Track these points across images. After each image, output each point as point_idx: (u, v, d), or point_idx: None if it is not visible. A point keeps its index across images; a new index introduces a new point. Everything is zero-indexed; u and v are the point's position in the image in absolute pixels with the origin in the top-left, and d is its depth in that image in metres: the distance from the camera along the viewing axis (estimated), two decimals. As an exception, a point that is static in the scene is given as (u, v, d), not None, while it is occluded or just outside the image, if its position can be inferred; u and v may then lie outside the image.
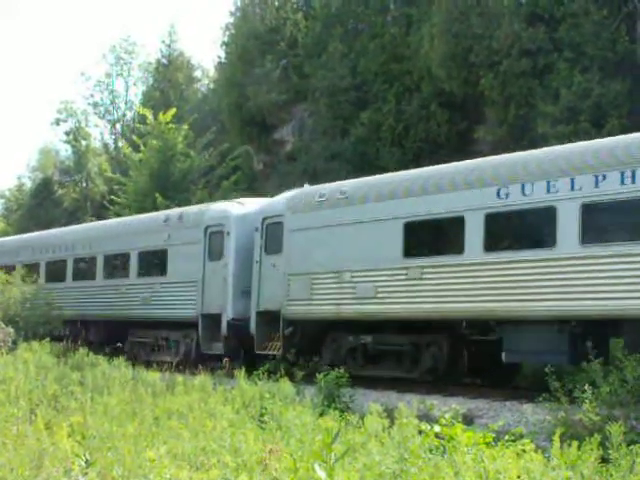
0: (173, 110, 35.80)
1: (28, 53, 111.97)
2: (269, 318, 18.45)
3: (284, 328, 18.03)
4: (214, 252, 20.35)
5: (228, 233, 19.89)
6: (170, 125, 35.18)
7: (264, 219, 19.08)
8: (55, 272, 27.48)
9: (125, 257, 23.81)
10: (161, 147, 34.81)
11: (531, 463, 6.87)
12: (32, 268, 27.74)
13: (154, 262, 22.85)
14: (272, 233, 18.82)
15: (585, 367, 11.41)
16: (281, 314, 18.08)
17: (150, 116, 36.05)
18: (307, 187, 19.12)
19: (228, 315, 19.50)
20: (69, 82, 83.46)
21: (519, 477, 6.58)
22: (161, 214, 23.60)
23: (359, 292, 16.60)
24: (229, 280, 19.70)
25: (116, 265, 24.69)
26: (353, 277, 16.78)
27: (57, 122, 57.51)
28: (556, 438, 7.44)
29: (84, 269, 26.24)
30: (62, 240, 27.85)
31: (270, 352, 18.29)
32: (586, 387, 10.57)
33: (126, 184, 36.74)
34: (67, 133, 56.66)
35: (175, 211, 23.02)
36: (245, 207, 20.48)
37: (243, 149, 35.89)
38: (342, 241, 17.12)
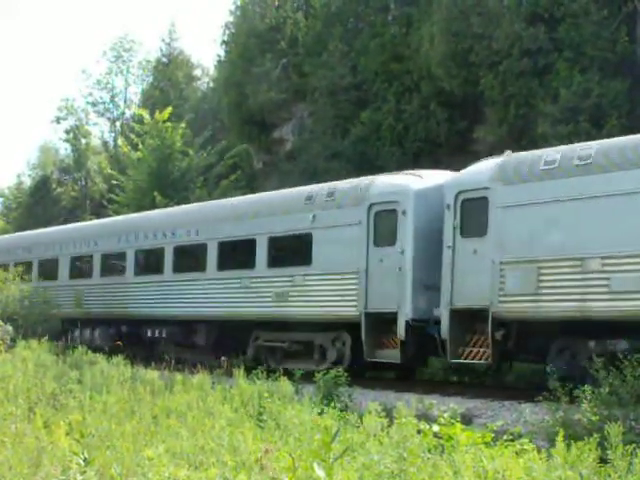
0: (169, 109, 35.87)
1: (27, 51, 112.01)
2: (466, 317, 14.96)
3: (494, 330, 14.31)
4: (382, 236, 16.59)
5: (404, 212, 16.11)
6: (167, 124, 35.23)
7: (458, 194, 15.28)
8: (148, 263, 23.56)
9: (249, 244, 19.44)
10: (159, 146, 34.86)
11: (534, 463, 6.87)
12: (115, 259, 24.55)
13: (293, 249, 18.89)
14: (471, 211, 15.10)
15: (587, 366, 11.39)
16: (490, 313, 14.32)
17: (147, 116, 36.11)
18: (513, 153, 15.41)
19: (407, 314, 15.71)
20: (69, 80, 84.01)
21: (520, 478, 6.57)
22: (302, 191, 19.19)
23: (617, 284, 12.89)
24: (407, 270, 15.90)
25: (237, 254, 20.46)
26: (606, 265, 13.10)
27: (57, 120, 57.58)
28: (560, 438, 7.44)
29: (190, 259, 22.09)
30: (158, 224, 23.26)
31: (470, 361, 14.87)
32: (585, 387, 10.56)
33: (124, 182, 36.79)
34: (67, 131, 56.71)
35: (322, 187, 18.73)
36: (425, 180, 16.68)
37: (242, 148, 35.90)
38: (586, 219, 13.47)
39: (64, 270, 26.40)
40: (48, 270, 27.18)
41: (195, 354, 20.54)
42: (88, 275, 25.31)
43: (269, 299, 18.62)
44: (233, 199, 23.09)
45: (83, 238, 25.98)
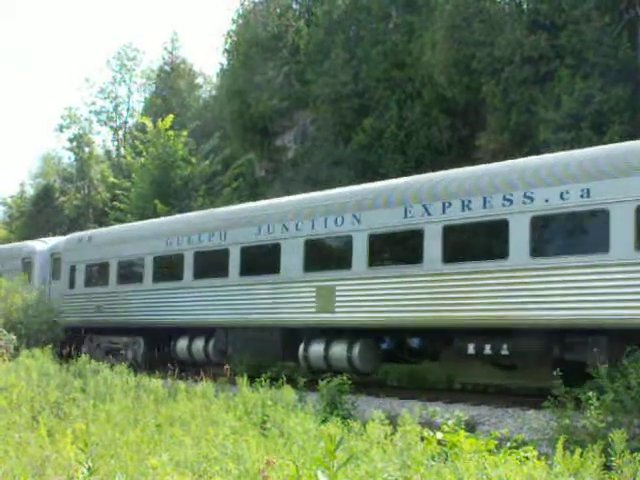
0: (171, 117, 35.94)
1: (30, 59, 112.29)
2: None
3: None
4: None
5: None
6: (170, 132, 35.31)
7: None
8: (473, 245, 15.27)
9: None
10: (160, 154, 34.93)
11: (534, 470, 6.86)
12: (399, 240, 16.36)
13: None
14: None
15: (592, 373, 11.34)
16: None
17: (150, 124, 36.20)
18: None
19: None
20: (71, 89, 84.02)
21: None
22: None
23: None
24: None
25: None
26: None
27: (60, 129, 57.62)
28: (559, 445, 7.43)
29: (570, 234, 14.00)
30: (495, 184, 14.59)
31: None
32: (590, 393, 10.53)
33: (130, 189, 36.85)
34: (70, 140, 56.75)
35: None
36: None
37: (247, 159, 35.94)
38: None
39: (294, 259, 18.06)
40: (258, 260, 19.31)
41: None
42: (342, 265, 17.07)
43: None
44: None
45: (328, 212, 17.54)
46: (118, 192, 39.17)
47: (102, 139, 59.23)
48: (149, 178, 34.94)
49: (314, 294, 17.30)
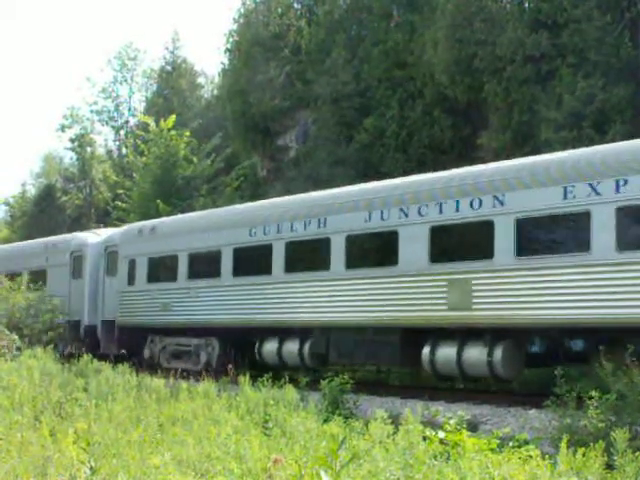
0: (173, 116, 35.95)
1: (31, 60, 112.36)
2: None
3: None
4: None
5: None
6: (172, 132, 35.32)
7: None
8: None
9: None
10: (162, 154, 34.93)
11: (538, 469, 6.86)
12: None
13: None
14: None
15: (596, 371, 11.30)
16: None
17: (152, 123, 36.20)
18: None
19: None
20: (72, 89, 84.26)
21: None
22: None
23: None
24: None
25: None
26: None
27: (62, 128, 57.59)
28: (563, 444, 7.43)
29: None
30: None
31: None
32: (593, 393, 10.51)
33: (132, 188, 36.85)
34: (72, 140, 56.73)
35: None
36: None
37: (251, 162, 35.93)
38: None
39: (417, 249, 15.36)
40: (368, 250, 17.02)
41: None
42: (480, 255, 14.46)
43: None
44: None
45: (460, 194, 14.78)
46: (120, 191, 39.19)
47: (104, 139, 58.96)
48: (151, 177, 34.95)
49: (444, 289, 14.72)
